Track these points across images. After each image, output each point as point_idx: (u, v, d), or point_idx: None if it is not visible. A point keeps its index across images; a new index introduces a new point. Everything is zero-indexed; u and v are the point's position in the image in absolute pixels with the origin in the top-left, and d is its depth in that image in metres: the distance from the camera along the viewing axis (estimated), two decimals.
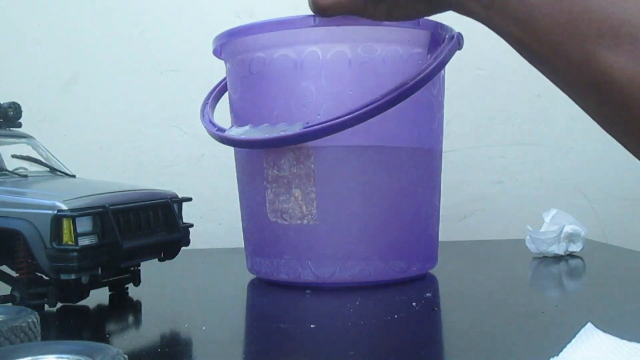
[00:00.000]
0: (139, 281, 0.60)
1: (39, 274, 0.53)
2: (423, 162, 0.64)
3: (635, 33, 0.31)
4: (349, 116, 0.55)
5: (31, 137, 0.62)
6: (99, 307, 0.56)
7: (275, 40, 0.60)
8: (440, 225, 0.69)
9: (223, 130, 0.63)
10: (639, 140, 0.33)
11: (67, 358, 0.31)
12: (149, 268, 0.61)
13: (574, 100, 0.36)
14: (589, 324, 0.39)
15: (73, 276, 0.49)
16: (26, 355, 0.31)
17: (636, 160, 0.35)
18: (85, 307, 0.56)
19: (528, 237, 0.79)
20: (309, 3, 0.48)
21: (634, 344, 0.37)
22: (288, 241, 0.62)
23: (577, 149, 1.03)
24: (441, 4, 0.43)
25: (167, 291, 0.58)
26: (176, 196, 0.59)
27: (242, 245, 0.69)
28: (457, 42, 0.60)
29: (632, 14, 0.31)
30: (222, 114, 0.70)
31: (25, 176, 0.57)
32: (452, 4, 0.41)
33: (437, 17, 0.61)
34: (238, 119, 0.65)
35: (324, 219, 0.60)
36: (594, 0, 0.32)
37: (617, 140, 0.35)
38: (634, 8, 0.31)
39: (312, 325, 0.48)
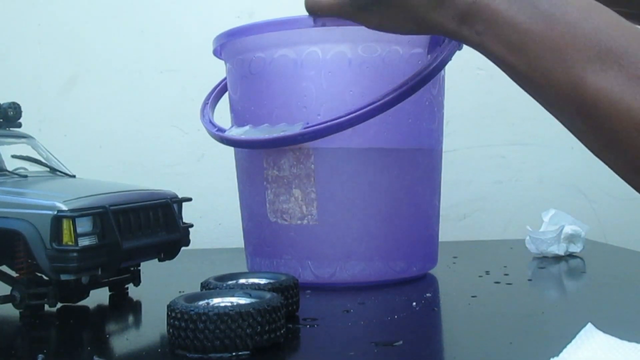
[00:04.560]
0: (139, 281, 0.60)
1: (39, 274, 0.53)
2: (423, 162, 0.64)
3: (621, 60, 0.33)
4: (349, 116, 0.55)
5: (31, 137, 0.62)
6: (99, 307, 0.56)
7: (275, 40, 0.60)
8: (440, 225, 0.69)
9: (223, 131, 0.63)
10: (623, 160, 0.34)
11: None
12: (149, 268, 0.61)
13: (561, 122, 0.38)
14: (589, 324, 0.39)
15: (73, 276, 0.49)
16: None
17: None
18: (85, 307, 0.56)
19: (528, 237, 0.79)
20: (305, 2, 0.51)
21: (634, 344, 0.37)
22: (288, 241, 0.62)
23: (577, 149, 1.02)
24: (432, 29, 0.43)
25: (167, 291, 0.57)
26: (176, 196, 0.59)
27: (242, 245, 0.69)
28: (457, 42, 0.60)
29: (618, 42, 0.33)
30: (222, 114, 0.70)
31: (25, 176, 0.57)
32: (444, 30, 0.41)
33: None
34: (238, 119, 0.65)
35: (324, 219, 0.60)
36: (583, 29, 0.34)
37: (602, 160, 0.37)
38: (620, 37, 0.33)
39: (312, 326, 0.48)
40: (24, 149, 0.60)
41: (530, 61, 0.36)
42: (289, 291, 0.49)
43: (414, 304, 0.53)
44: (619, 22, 0.34)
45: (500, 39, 0.37)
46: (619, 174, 0.36)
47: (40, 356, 0.40)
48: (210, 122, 0.66)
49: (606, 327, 0.39)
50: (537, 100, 0.38)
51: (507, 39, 0.37)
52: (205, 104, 0.70)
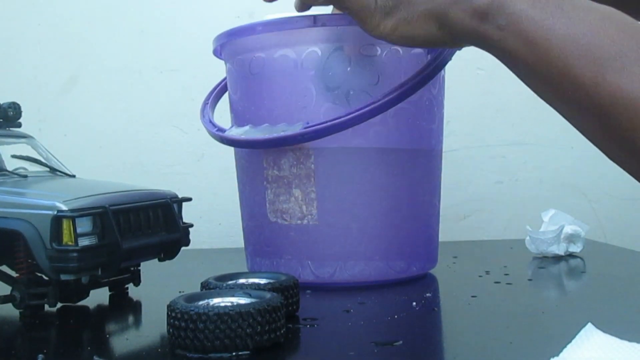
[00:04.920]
0: (139, 281, 0.60)
1: (39, 274, 0.53)
2: (423, 162, 0.64)
3: None
4: (349, 116, 0.55)
5: (31, 137, 0.62)
6: (99, 307, 0.56)
7: (275, 40, 0.60)
8: (440, 225, 0.69)
9: (223, 130, 0.63)
10: (638, 161, 0.34)
11: None
12: (149, 268, 0.61)
13: (576, 125, 0.38)
14: (589, 324, 0.39)
15: (73, 276, 0.49)
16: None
17: None
18: (85, 307, 0.56)
19: (528, 237, 0.79)
20: None
21: (634, 344, 0.37)
22: (288, 241, 0.62)
23: (577, 149, 1.03)
24: (451, 27, 0.43)
25: (167, 291, 0.58)
26: (176, 196, 0.59)
27: (242, 245, 0.69)
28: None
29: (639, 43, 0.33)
30: (222, 114, 0.70)
31: (25, 176, 0.57)
32: (463, 26, 0.41)
33: None
34: (238, 119, 0.65)
35: (324, 219, 0.60)
36: (606, 29, 0.34)
37: (615, 161, 0.37)
38: None
39: (312, 326, 0.48)
40: (24, 149, 0.60)
41: (550, 58, 0.36)
42: (289, 291, 0.49)
43: (414, 304, 0.53)
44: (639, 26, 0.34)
45: (521, 35, 0.37)
46: (634, 176, 0.35)
47: (40, 356, 0.40)
48: (210, 122, 0.66)
49: (606, 327, 0.39)
50: (553, 103, 0.38)
51: (528, 35, 0.37)
52: (205, 104, 0.70)
